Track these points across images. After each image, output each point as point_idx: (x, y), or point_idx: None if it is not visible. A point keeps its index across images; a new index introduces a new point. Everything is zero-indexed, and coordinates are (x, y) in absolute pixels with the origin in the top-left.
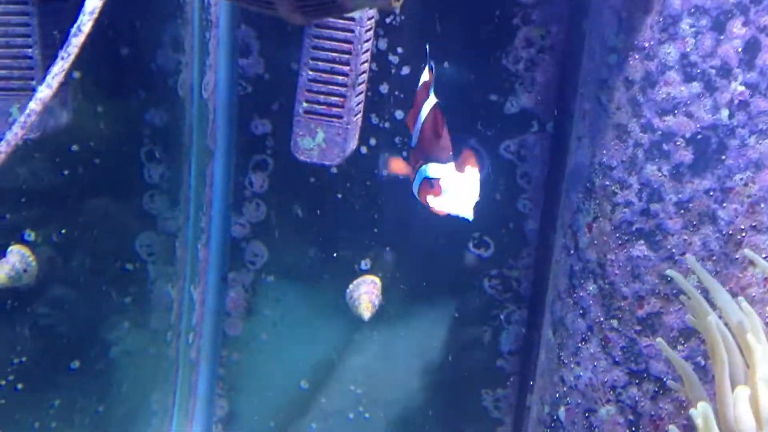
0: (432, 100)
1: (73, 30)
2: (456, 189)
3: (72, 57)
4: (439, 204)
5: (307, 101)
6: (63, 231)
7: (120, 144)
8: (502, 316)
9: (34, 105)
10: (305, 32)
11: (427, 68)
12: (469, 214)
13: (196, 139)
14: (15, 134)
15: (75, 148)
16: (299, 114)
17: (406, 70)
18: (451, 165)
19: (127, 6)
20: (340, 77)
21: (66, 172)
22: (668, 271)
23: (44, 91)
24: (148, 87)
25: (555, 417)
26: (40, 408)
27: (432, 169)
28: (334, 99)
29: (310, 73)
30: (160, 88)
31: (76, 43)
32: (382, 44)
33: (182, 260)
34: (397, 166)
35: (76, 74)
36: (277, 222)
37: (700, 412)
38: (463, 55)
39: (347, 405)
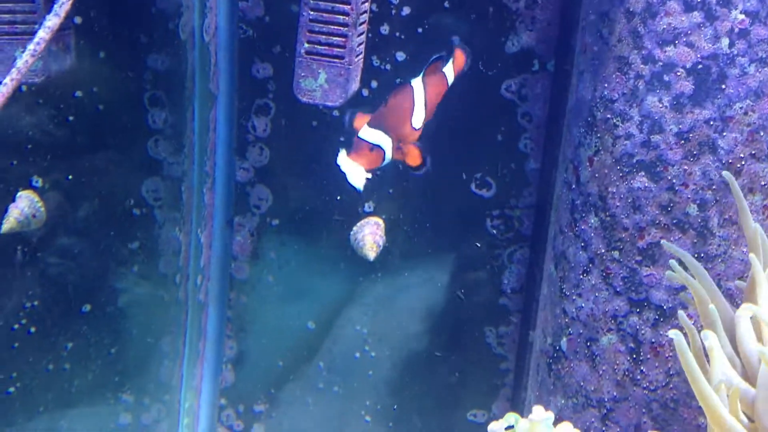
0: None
1: None
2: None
3: None
4: (341, 162)
5: (308, 42)
6: (69, 177)
7: (123, 89)
8: (504, 255)
9: (43, 33)
10: None
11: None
12: (357, 185)
13: (198, 83)
14: (25, 62)
15: (79, 94)
16: (301, 55)
17: (406, 11)
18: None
19: None
20: (341, 17)
21: (71, 119)
22: (665, 244)
23: (52, 19)
24: (149, 31)
25: (557, 347)
26: (54, 351)
27: (366, 133)
28: (335, 39)
29: (311, 13)
30: (161, 32)
31: None
32: None
33: (188, 205)
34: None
35: (78, 19)
36: (280, 166)
37: (710, 334)
38: None
39: (353, 344)
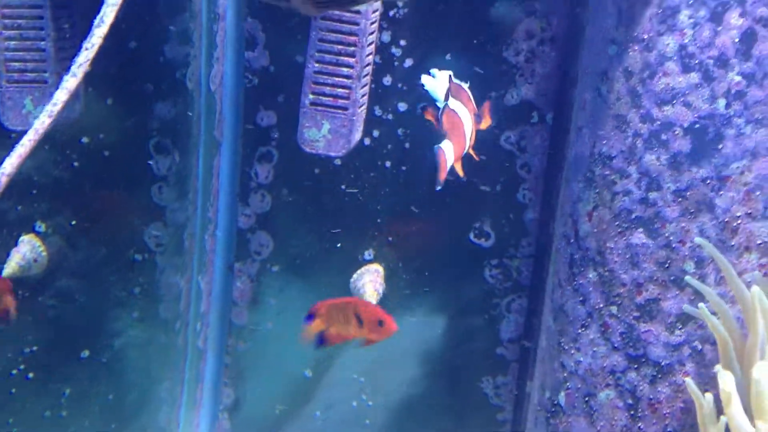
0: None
1: (96, 21)
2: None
3: (96, 47)
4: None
5: (313, 93)
6: (73, 222)
7: (129, 136)
8: (502, 305)
9: (61, 94)
10: (312, 25)
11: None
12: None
13: (204, 130)
14: (42, 123)
15: (85, 140)
16: (305, 105)
17: (408, 63)
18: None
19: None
20: (346, 69)
21: (76, 164)
22: (697, 239)
23: (70, 80)
24: (156, 79)
25: (555, 401)
26: (51, 396)
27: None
28: (339, 91)
29: (316, 65)
30: (168, 81)
31: (99, 33)
32: (386, 37)
33: (190, 251)
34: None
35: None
36: (282, 213)
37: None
38: (465, 47)
39: (350, 393)
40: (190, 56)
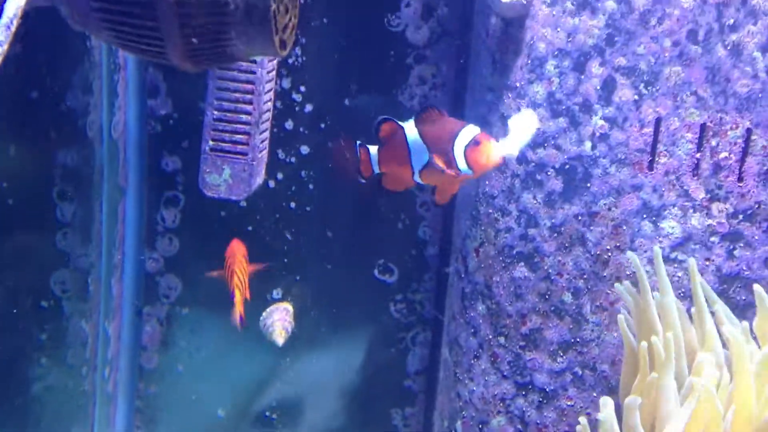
0: (408, 123)
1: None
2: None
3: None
4: (501, 148)
5: (213, 139)
6: None
7: (32, 184)
8: (408, 338)
9: None
10: (210, 75)
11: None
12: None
13: (107, 177)
14: None
15: None
16: (206, 152)
17: (309, 108)
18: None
19: (37, 50)
20: (244, 116)
21: None
22: (628, 253)
23: None
24: (58, 128)
25: (453, 430)
26: None
27: (463, 137)
28: (239, 137)
29: (215, 113)
30: (70, 129)
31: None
32: (286, 83)
33: (95, 296)
34: (442, 196)
35: None
36: (190, 255)
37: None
38: (362, 92)
39: (264, 430)
40: (90, 105)
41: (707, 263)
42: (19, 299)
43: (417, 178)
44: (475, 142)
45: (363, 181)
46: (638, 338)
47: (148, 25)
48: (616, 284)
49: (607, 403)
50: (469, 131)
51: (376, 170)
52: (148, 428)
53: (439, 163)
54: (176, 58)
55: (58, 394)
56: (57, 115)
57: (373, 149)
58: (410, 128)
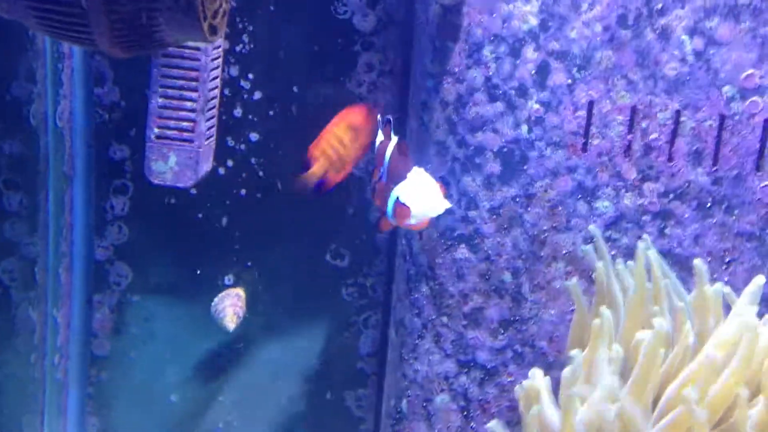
0: (394, 140)
1: None
2: (419, 196)
3: None
4: (414, 215)
5: (158, 127)
6: None
7: None
8: (359, 321)
9: None
10: (153, 62)
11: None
12: (444, 205)
13: (52, 166)
14: None
15: None
16: (151, 139)
17: (257, 95)
18: (415, 171)
19: None
20: (189, 103)
21: None
22: (590, 227)
23: None
24: (2, 118)
25: (399, 409)
26: None
27: (397, 192)
28: (184, 124)
29: (160, 100)
30: (14, 119)
31: None
32: (234, 71)
33: (43, 284)
34: (385, 224)
35: None
36: (140, 243)
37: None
38: (311, 79)
39: (217, 415)
40: (33, 94)
41: (639, 240)
42: None
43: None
44: (400, 203)
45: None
46: (595, 304)
47: (75, 12)
48: (582, 246)
49: (536, 374)
50: (405, 186)
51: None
52: (100, 414)
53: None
54: (105, 45)
55: (6, 383)
56: (2, 104)
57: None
58: (391, 146)
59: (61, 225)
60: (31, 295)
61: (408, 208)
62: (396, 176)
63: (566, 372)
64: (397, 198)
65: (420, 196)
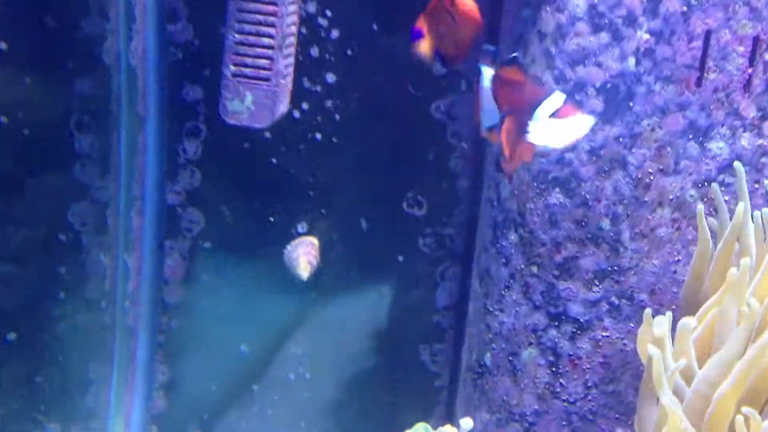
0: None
1: None
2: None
3: None
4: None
5: (234, 64)
6: None
7: (49, 114)
8: (436, 273)
9: None
10: None
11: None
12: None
13: (125, 106)
14: None
15: (3, 119)
16: (227, 77)
17: (335, 34)
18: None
19: None
20: (267, 39)
21: None
22: (735, 163)
23: None
24: (75, 56)
25: (482, 363)
26: None
27: (545, 108)
28: (261, 62)
29: (237, 36)
30: (86, 57)
31: None
32: (312, 7)
33: (114, 229)
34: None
35: (3, 45)
36: (212, 188)
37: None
38: (392, 17)
39: (288, 366)
40: (107, 30)
41: (756, 186)
42: (37, 232)
43: (483, 133)
44: (558, 114)
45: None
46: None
47: None
48: (713, 184)
49: (663, 323)
50: (554, 100)
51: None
52: (170, 363)
53: (504, 140)
54: None
55: (76, 329)
56: (73, 42)
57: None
58: (487, 77)
59: (133, 168)
60: (102, 239)
61: (573, 114)
62: (521, 103)
63: (688, 321)
64: (556, 111)
65: (558, 122)
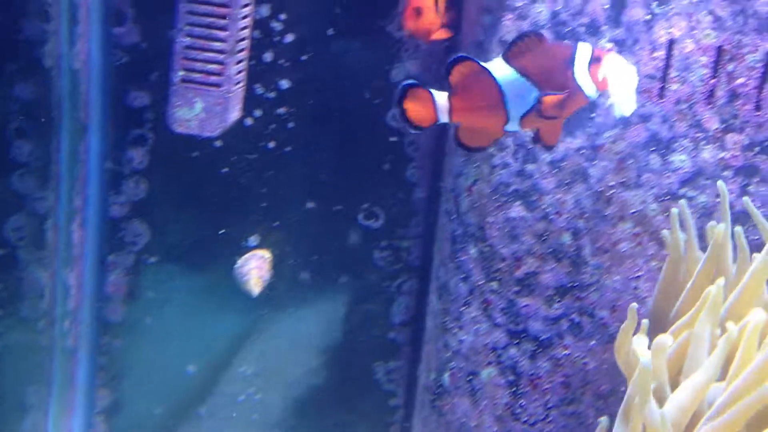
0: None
1: None
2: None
3: None
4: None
5: (183, 69)
6: None
7: None
8: (392, 287)
9: None
10: None
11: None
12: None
13: (66, 112)
14: None
15: None
16: (175, 83)
17: (289, 38)
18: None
19: None
20: (218, 43)
21: None
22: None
23: None
24: (14, 59)
25: (440, 383)
26: None
27: (581, 57)
28: (212, 66)
29: (186, 39)
30: (27, 60)
31: None
32: (265, 10)
33: (54, 243)
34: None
35: None
36: (159, 200)
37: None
38: (348, 22)
39: (237, 387)
40: (48, 33)
41: (718, 200)
42: None
43: (514, 127)
44: (596, 60)
45: (415, 131)
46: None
47: None
48: (681, 201)
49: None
50: (584, 50)
51: (442, 119)
52: (112, 385)
53: (552, 101)
54: None
55: (12, 350)
56: (14, 44)
57: (440, 95)
58: (499, 68)
59: (74, 178)
60: (41, 254)
61: (610, 55)
62: (555, 64)
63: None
64: (593, 56)
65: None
